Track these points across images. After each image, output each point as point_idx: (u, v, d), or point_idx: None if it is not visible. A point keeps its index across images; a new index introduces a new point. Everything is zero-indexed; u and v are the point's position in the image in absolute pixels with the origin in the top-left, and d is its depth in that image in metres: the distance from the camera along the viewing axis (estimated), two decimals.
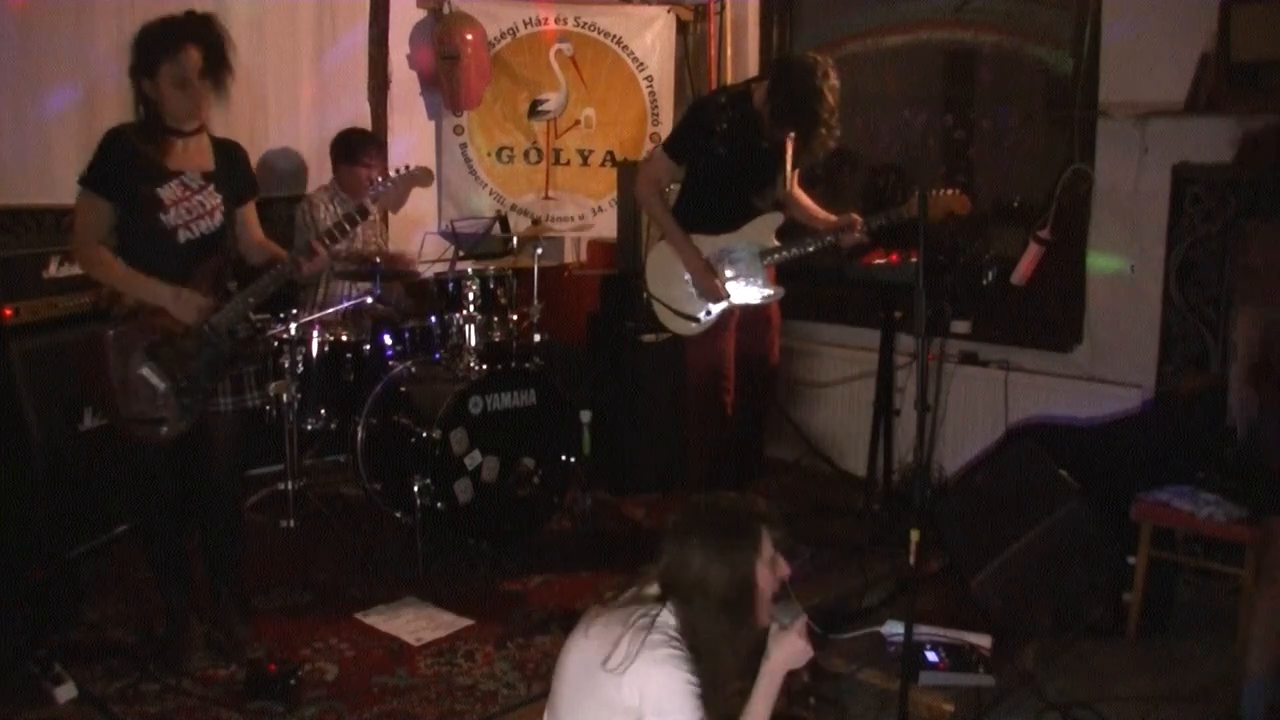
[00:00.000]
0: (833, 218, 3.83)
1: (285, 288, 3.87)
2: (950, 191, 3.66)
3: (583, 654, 2.04)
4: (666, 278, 3.78)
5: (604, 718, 1.99)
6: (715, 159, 3.66)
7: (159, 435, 2.91)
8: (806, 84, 3.44)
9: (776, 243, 3.78)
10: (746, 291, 3.78)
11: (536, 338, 4.33)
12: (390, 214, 4.87)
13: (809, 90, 3.44)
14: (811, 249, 3.77)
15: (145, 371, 2.88)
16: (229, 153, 3.06)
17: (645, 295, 3.84)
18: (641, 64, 5.42)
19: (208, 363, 2.95)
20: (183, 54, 2.79)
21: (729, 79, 5.26)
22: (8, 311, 3.39)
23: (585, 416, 4.32)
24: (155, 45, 2.81)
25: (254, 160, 4.61)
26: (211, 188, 2.96)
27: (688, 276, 3.72)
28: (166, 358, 2.89)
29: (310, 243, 3.06)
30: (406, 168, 3.20)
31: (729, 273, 3.76)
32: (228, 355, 2.99)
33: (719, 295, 3.72)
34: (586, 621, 2.09)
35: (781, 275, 3.88)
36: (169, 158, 2.90)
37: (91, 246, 2.88)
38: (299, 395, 4.06)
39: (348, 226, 3.08)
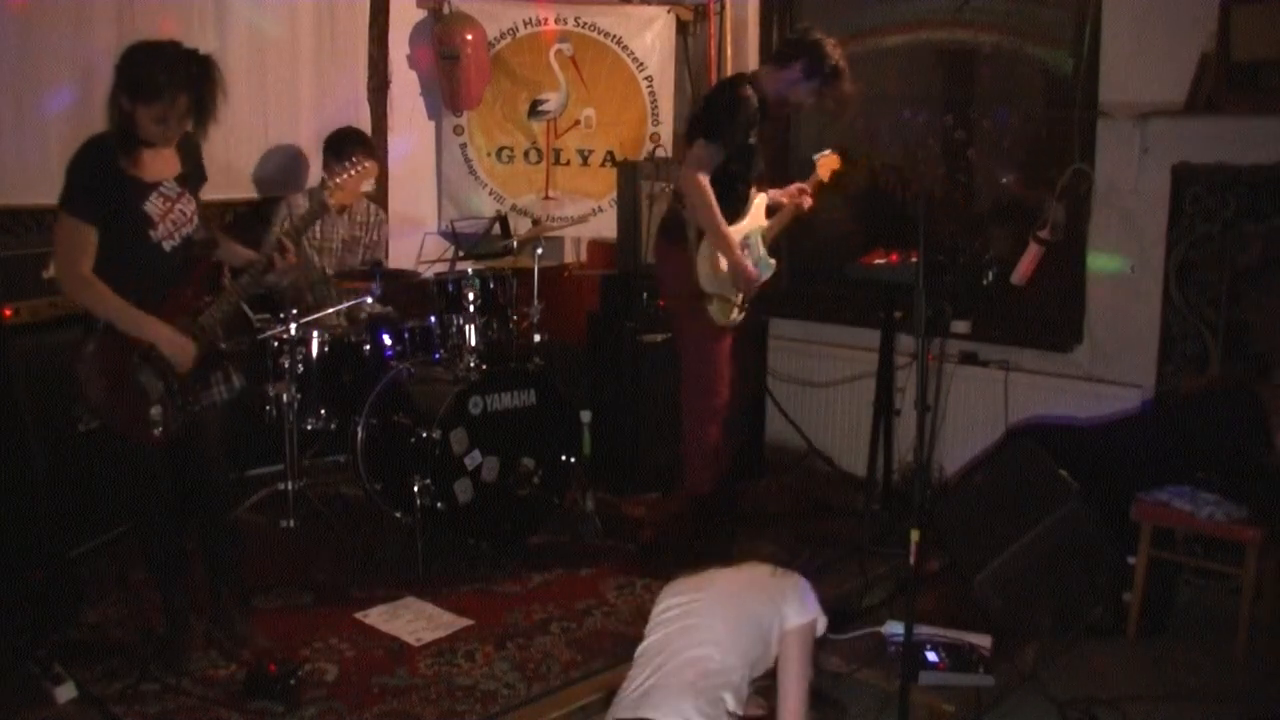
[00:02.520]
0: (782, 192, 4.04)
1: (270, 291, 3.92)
2: (826, 152, 4.07)
3: (737, 579, 2.58)
4: (719, 273, 3.77)
5: (746, 629, 2.44)
6: (743, 150, 3.72)
7: (153, 437, 2.91)
8: (821, 44, 3.70)
9: (767, 222, 3.93)
10: (764, 273, 3.89)
11: (536, 338, 4.32)
12: (387, 215, 4.88)
13: (822, 45, 3.70)
14: (787, 220, 4.01)
15: (141, 378, 2.88)
16: (186, 145, 3.00)
17: (700, 296, 3.75)
18: (641, 64, 5.42)
19: (198, 363, 2.96)
20: (171, 101, 2.74)
21: None
22: (8, 311, 3.39)
23: (585, 416, 4.31)
24: (147, 84, 2.72)
25: (254, 160, 4.67)
26: (187, 193, 2.96)
27: (725, 265, 3.73)
28: (159, 361, 2.90)
29: (278, 239, 3.09)
30: (353, 159, 3.38)
31: (751, 259, 3.84)
32: (215, 354, 3.01)
33: (752, 279, 3.80)
34: (709, 574, 2.61)
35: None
36: (144, 168, 2.87)
37: (82, 275, 2.79)
38: (299, 395, 4.06)
39: (309, 220, 3.15)
